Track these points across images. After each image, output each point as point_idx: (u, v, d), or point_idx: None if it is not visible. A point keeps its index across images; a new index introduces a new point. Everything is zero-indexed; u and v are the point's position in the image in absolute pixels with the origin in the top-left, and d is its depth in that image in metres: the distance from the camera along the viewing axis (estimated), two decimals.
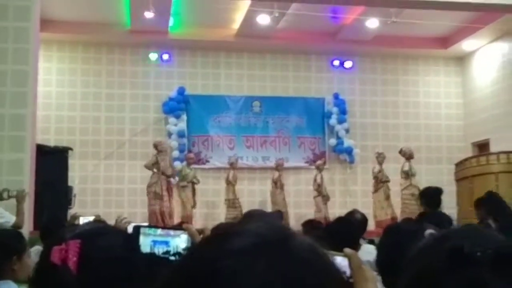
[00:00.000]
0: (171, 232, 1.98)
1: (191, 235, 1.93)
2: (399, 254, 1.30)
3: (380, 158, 13.47)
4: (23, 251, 3.49)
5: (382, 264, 2.48)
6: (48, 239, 1.48)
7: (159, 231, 1.94)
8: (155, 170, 12.44)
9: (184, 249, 1.91)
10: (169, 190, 12.66)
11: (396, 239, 2.56)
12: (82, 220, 6.36)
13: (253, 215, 3.94)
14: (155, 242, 1.87)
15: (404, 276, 1.05)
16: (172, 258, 1.90)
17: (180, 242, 1.94)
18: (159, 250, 1.89)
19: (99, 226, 1.49)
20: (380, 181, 13.39)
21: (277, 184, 13.58)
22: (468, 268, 0.94)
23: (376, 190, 13.39)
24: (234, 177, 13.44)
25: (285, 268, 0.69)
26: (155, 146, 12.63)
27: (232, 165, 13.64)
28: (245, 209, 13.42)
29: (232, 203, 13.28)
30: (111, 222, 6.29)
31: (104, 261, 1.34)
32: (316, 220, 8.73)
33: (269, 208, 13.50)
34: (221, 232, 0.78)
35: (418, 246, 1.13)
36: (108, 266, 1.34)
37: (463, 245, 0.97)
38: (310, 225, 5.60)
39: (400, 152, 13.22)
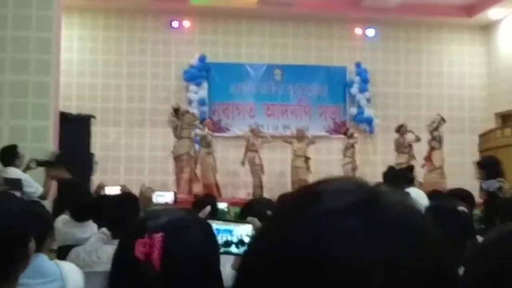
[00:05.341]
0: (234, 221, 1.95)
1: (257, 227, 1.90)
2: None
3: (403, 129, 13.39)
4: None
5: None
6: (127, 227, 1.43)
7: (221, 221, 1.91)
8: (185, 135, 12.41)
9: (250, 237, 1.88)
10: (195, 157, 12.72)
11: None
12: (107, 190, 6.37)
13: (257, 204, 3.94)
14: (218, 230, 1.81)
15: (475, 271, 1.01)
16: (235, 250, 1.87)
17: (244, 230, 1.91)
18: (223, 238, 1.85)
19: (181, 217, 1.39)
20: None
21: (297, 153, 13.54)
22: None
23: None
24: (256, 143, 13.39)
25: (384, 225, 0.66)
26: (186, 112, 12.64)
27: (254, 132, 13.58)
28: (266, 177, 13.47)
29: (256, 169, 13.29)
30: (133, 189, 6.34)
31: (187, 257, 1.30)
32: None
33: (289, 177, 13.49)
34: (306, 193, 0.73)
35: (488, 238, 1.08)
36: (191, 262, 1.30)
37: None
38: None
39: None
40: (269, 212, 3.68)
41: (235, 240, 1.88)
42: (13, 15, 8.96)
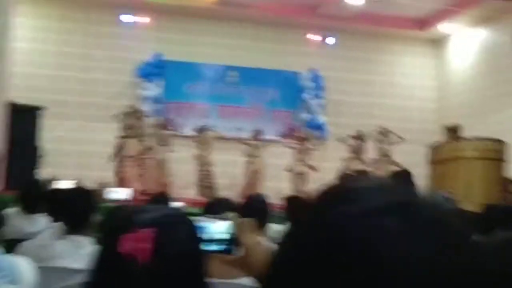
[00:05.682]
0: (211, 218, 1.86)
1: (237, 224, 1.83)
2: None
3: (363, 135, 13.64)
4: None
5: None
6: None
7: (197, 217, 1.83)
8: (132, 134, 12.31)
9: (229, 234, 1.81)
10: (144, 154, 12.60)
11: None
12: (60, 185, 6.19)
13: (255, 200, 3.89)
14: None
15: None
16: (208, 247, 1.78)
17: (219, 228, 1.83)
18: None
19: (169, 213, 1.32)
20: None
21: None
22: None
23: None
24: (206, 144, 13.33)
25: (421, 224, 0.68)
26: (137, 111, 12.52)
27: (203, 133, 13.50)
28: (218, 179, 13.39)
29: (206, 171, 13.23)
30: (84, 184, 6.18)
31: (176, 254, 1.23)
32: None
33: (240, 178, 13.44)
34: (342, 192, 0.72)
35: (490, 244, 1.08)
36: (180, 259, 1.24)
37: None
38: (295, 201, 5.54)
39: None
40: (230, 213, 3.63)
41: (206, 237, 1.81)
42: None
